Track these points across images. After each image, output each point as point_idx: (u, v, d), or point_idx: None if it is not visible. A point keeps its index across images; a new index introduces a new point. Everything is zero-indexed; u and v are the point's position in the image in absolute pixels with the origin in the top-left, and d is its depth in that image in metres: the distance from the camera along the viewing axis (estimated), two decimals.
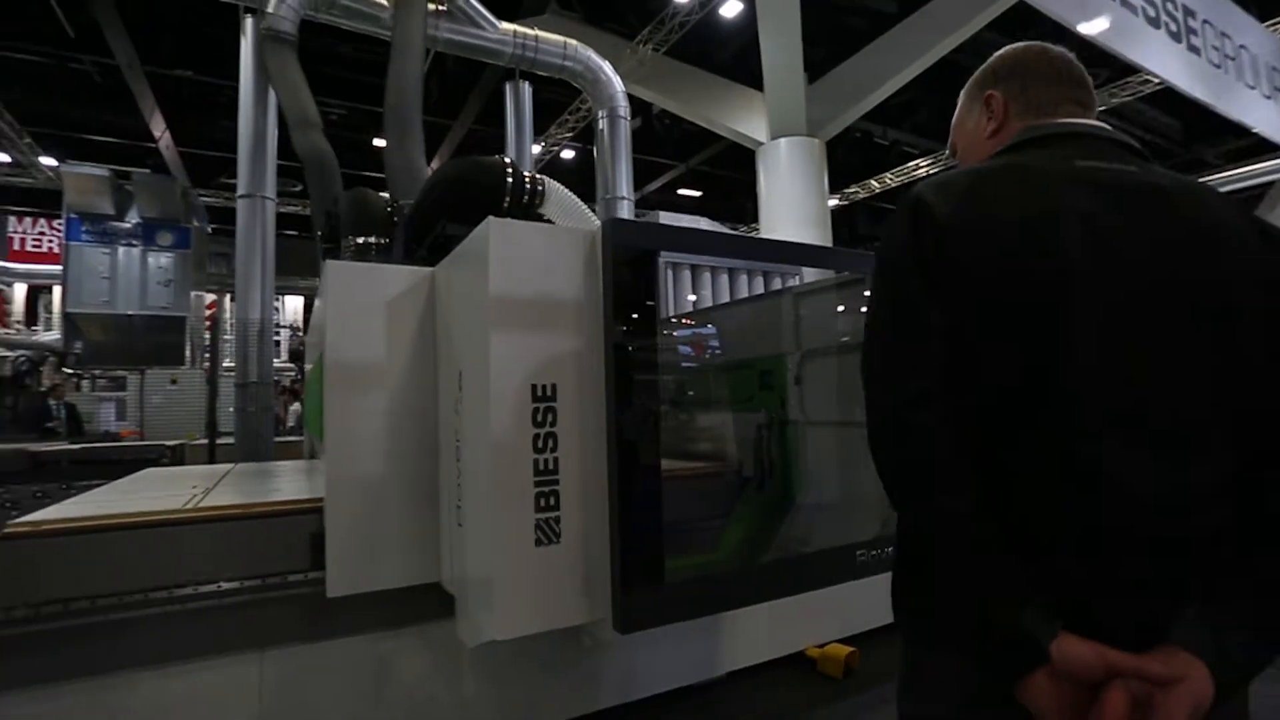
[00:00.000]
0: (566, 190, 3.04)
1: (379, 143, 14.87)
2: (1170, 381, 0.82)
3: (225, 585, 2.00)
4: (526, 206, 2.82)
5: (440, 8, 5.80)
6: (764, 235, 11.11)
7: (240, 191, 5.26)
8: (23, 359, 9.83)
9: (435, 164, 15.76)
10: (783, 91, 9.48)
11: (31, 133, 13.55)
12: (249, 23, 5.28)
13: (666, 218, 8.57)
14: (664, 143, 15.40)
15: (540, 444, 1.66)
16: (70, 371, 9.16)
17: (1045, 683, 0.75)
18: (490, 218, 1.65)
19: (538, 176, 2.85)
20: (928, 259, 0.87)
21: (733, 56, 11.40)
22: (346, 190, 3.35)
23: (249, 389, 4.85)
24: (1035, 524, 0.81)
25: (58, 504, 2.27)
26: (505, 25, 6.20)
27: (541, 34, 6.34)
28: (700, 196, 20.79)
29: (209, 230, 11.44)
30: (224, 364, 6.63)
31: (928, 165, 13.75)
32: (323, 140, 4.35)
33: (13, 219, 14.37)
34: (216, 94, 12.18)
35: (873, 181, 14.99)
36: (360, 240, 2.81)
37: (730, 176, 15.64)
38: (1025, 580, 0.79)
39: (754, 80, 10.25)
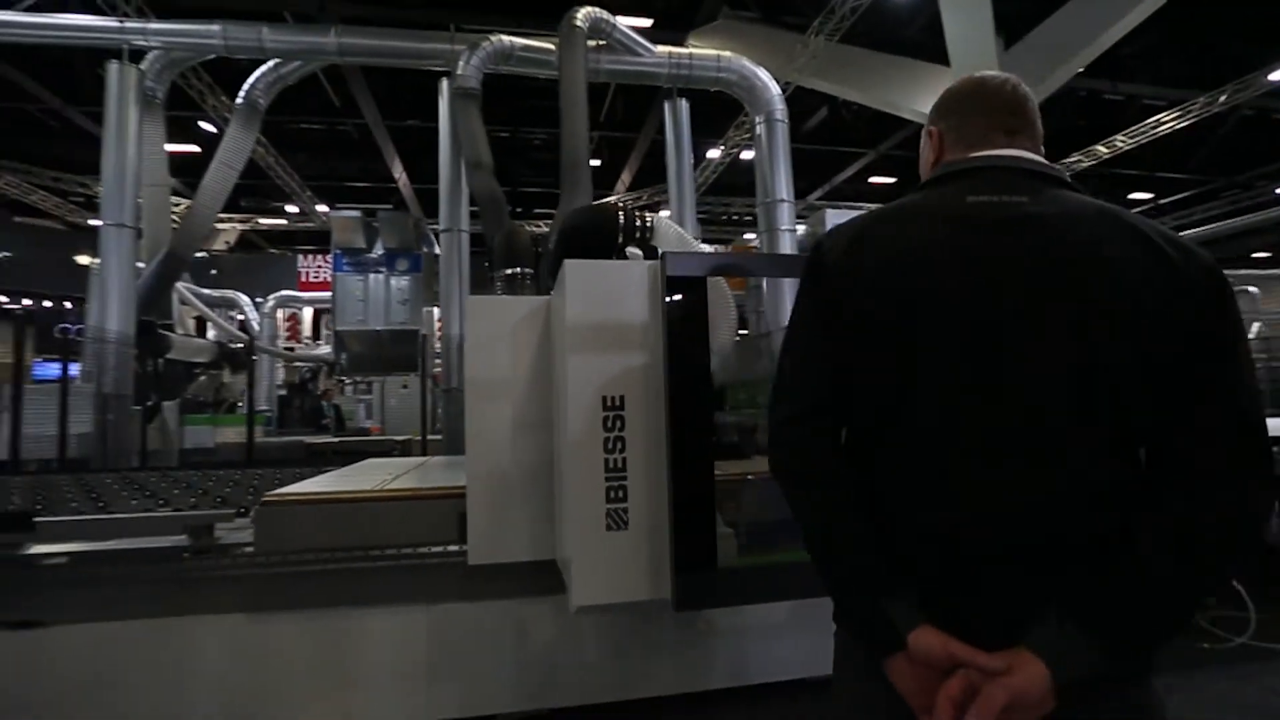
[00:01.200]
0: (673, 224, 3.34)
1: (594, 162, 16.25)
2: (1024, 399, 0.89)
3: (403, 550, 2.60)
4: (639, 242, 3.16)
5: (600, 42, 6.36)
6: None
7: (441, 226, 6.27)
8: (307, 369, 12.41)
9: (625, 175, 16.82)
10: (971, 62, 8.77)
11: (311, 186, 16.85)
12: (444, 84, 6.27)
13: (833, 216, 8.40)
14: (852, 131, 14.87)
15: (610, 446, 1.98)
16: (338, 378, 11.37)
17: (905, 665, 0.89)
18: (567, 260, 2.01)
19: (647, 215, 3.19)
20: (819, 300, 1.04)
21: (919, 32, 10.75)
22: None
23: (451, 394, 5.80)
24: (902, 529, 0.95)
25: (299, 482, 3.09)
26: (660, 48, 6.61)
27: (695, 51, 6.64)
28: (895, 183, 19.63)
29: (437, 254, 13.45)
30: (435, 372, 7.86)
31: (1174, 119, 11.66)
32: (493, 181, 5.09)
33: (300, 256, 18.00)
34: (436, 136, 14.31)
35: (1099, 147, 13.05)
36: (509, 271, 3.34)
37: None
38: (888, 576, 0.93)
39: (941, 55, 9.62)
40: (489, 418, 2.50)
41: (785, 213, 6.78)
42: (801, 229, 9.04)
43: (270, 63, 6.38)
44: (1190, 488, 0.85)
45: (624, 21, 6.05)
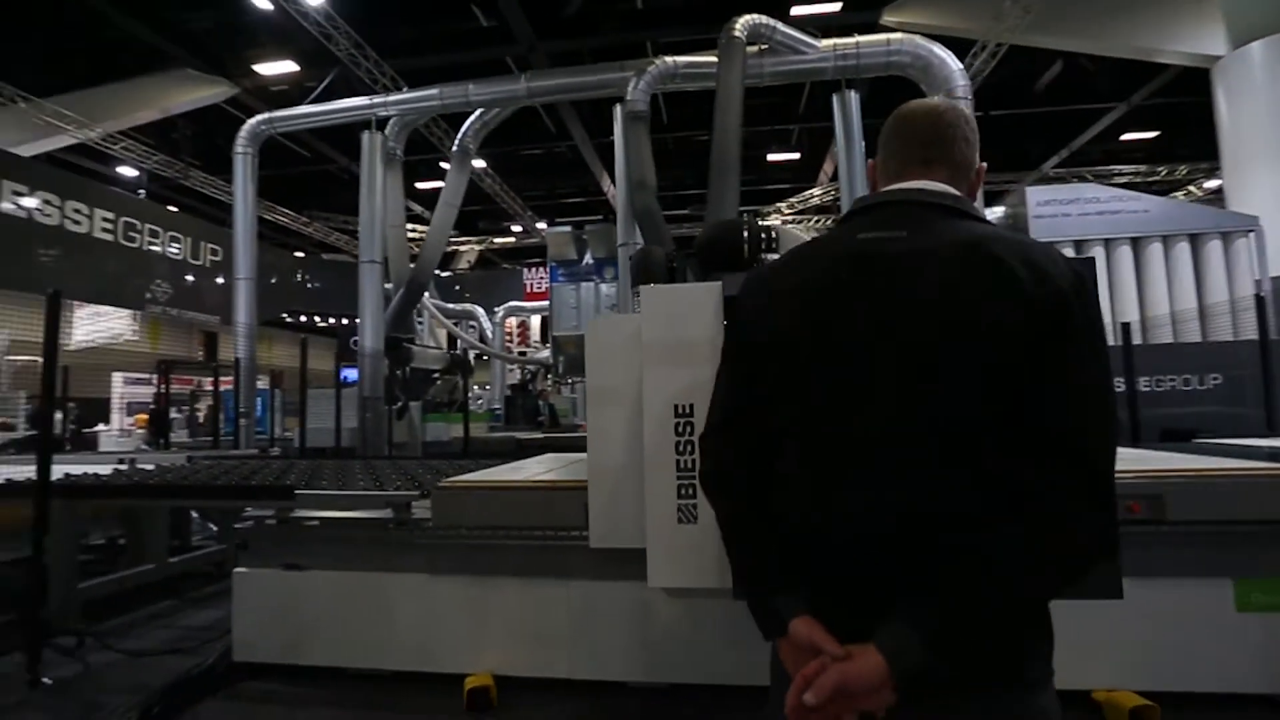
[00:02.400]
0: (799, 233, 3.42)
1: (773, 157, 16.21)
2: (878, 416, 0.99)
3: (544, 531, 3.08)
4: (767, 254, 3.31)
5: (762, 47, 6.46)
6: (1228, 177, 8.66)
7: (619, 241, 6.87)
8: (529, 371, 14.05)
9: (828, 165, 16.37)
10: None
11: (533, 206, 18.89)
12: (618, 109, 6.85)
13: (1037, 194, 7.45)
14: (1096, 83, 12.95)
15: (681, 449, 2.23)
16: (554, 379, 12.72)
17: (786, 649, 1.06)
18: (642, 286, 2.30)
19: (771, 228, 3.32)
20: (731, 331, 1.23)
21: None
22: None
23: None
24: (790, 528, 1.10)
25: (475, 471, 3.75)
26: (825, 42, 6.51)
27: (862, 40, 6.42)
28: (1155, 138, 16.67)
29: None
30: None
31: None
32: (654, 200, 5.50)
33: (525, 270, 20.30)
34: None
35: None
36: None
37: (1193, 104, 11.95)
38: (778, 572, 1.09)
39: None
40: (604, 420, 2.86)
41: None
42: (999, 211, 8.21)
43: (477, 111, 7.50)
44: (1024, 516, 0.90)
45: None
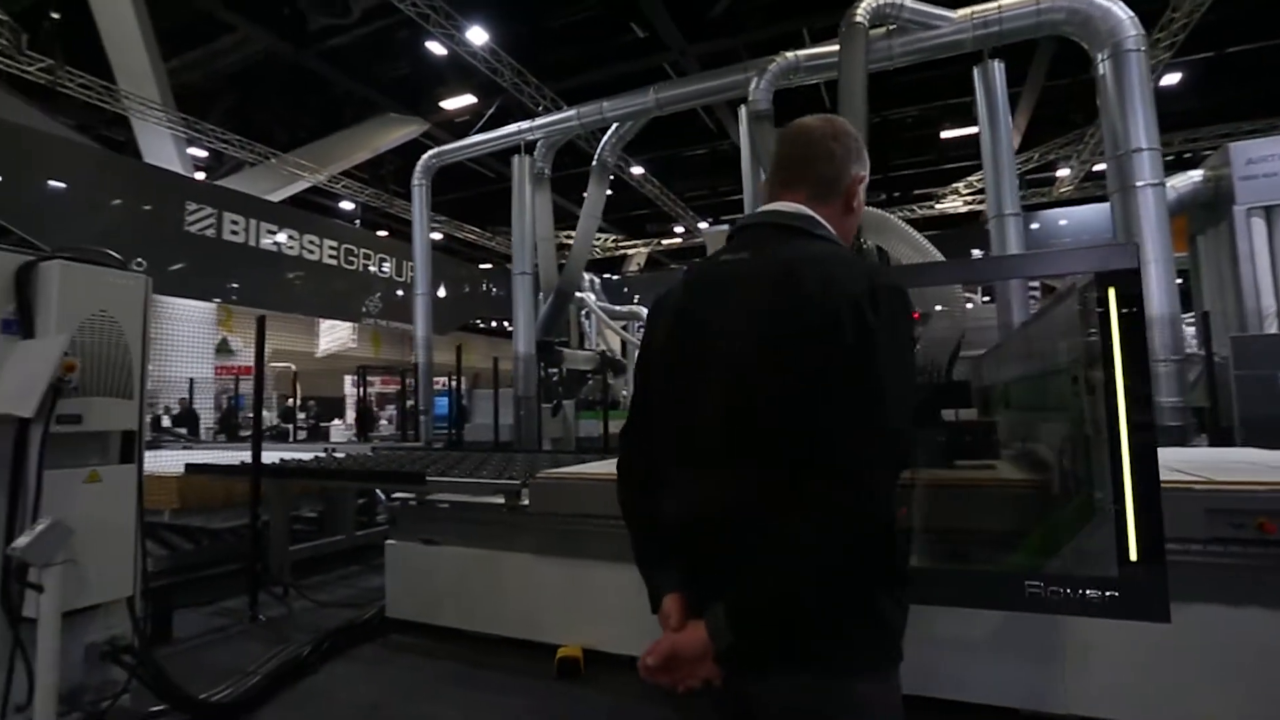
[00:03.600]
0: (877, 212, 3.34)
1: (948, 134, 15.06)
2: (698, 420, 1.13)
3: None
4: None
5: (890, 27, 6.15)
6: None
7: None
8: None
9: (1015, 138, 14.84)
10: None
11: (694, 206, 19.23)
12: (742, 110, 6.90)
13: (1242, 150, 6.20)
14: None
15: None
16: None
17: (661, 619, 1.24)
18: None
19: None
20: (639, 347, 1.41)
21: None
22: None
23: None
24: (663, 518, 1.26)
25: (567, 466, 4.13)
26: (961, 12, 6.03)
27: (1004, 3, 5.84)
28: None
29: None
30: None
31: None
32: None
33: (685, 268, 20.76)
34: None
35: None
36: None
37: None
38: (656, 555, 1.26)
39: None
40: None
41: (1145, 165, 5.45)
42: (1195, 175, 6.97)
43: (612, 126, 7.97)
44: (795, 513, 0.98)
45: None
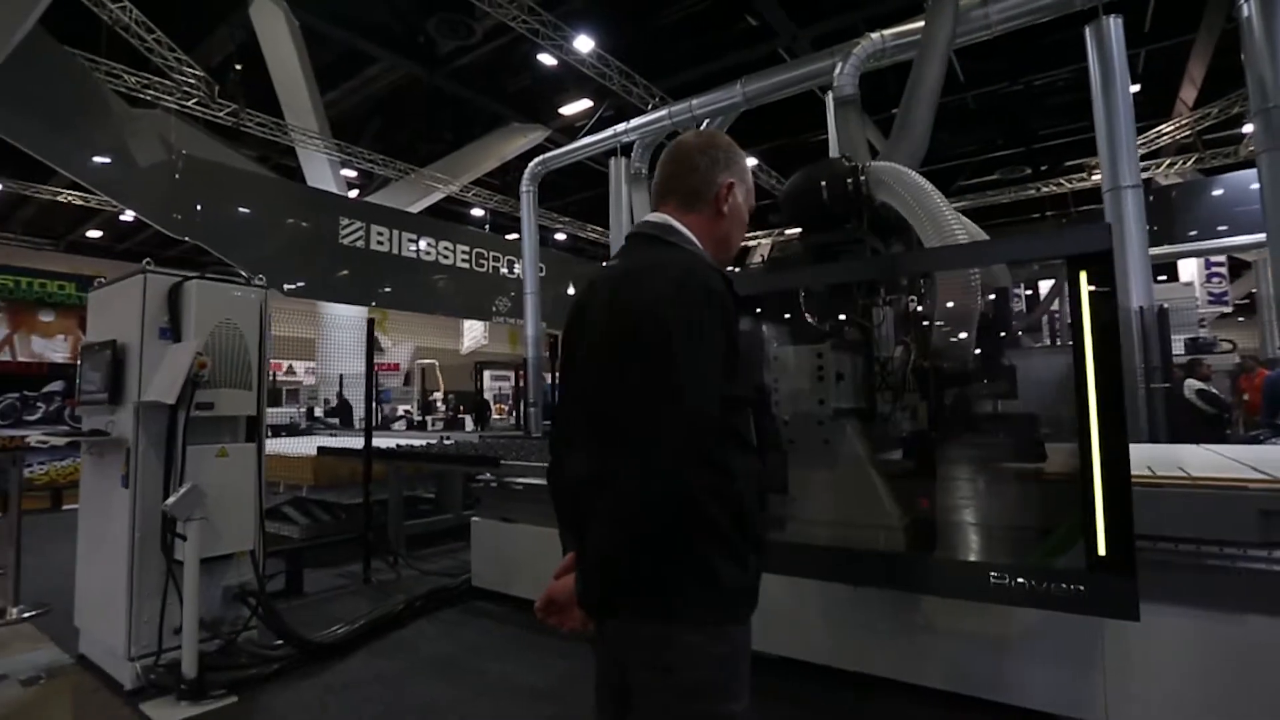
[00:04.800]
0: (897, 168, 3.24)
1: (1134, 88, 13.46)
2: (571, 406, 1.36)
3: None
4: (856, 200, 3.16)
5: None
6: None
7: None
8: None
9: (1186, 92, 13.08)
10: None
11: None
12: (828, 97, 6.73)
13: None
14: None
15: None
16: None
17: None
18: None
19: (864, 166, 3.21)
20: None
21: None
22: None
23: None
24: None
25: None
26: None
27: None
28: None
29: None
30: None
31: None
32: None
33: None
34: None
35: None
36: None
37: None
38: (565, 520, 1.47)
39: None
40: None
41: None
42: None
43: (704, 123, 8.08)
44: (607, 485, 1.14)
45: None
